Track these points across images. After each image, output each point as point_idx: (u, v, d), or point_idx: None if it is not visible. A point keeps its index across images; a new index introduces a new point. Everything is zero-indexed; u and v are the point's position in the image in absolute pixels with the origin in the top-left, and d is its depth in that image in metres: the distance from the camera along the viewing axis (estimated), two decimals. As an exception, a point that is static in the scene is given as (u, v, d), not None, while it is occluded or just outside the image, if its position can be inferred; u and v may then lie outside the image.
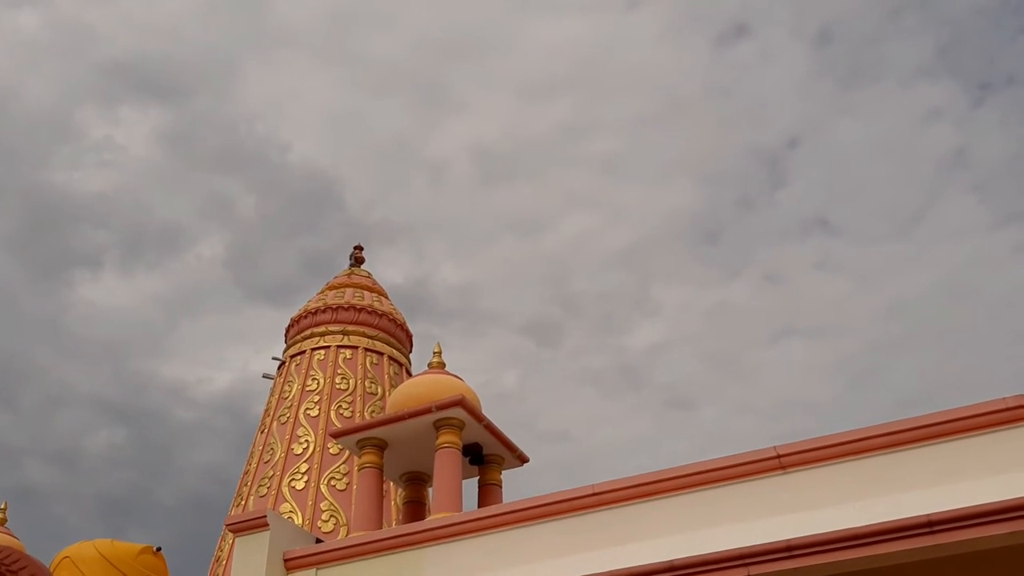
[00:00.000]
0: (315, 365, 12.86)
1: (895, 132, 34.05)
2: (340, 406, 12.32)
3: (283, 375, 13.16)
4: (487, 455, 8.76)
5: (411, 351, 13.91)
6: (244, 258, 34.53)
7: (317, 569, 7.68)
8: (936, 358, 33.06)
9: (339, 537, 10.49)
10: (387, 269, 32.50)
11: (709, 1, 34.82)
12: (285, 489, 11.58)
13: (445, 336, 34.43)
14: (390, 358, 13.24)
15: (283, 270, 34.66)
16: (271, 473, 11.86)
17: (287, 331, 13.78)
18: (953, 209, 34.19)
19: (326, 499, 11.45)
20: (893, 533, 5.60)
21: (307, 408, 12.36)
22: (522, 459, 8.94)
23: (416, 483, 9.16)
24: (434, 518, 7.73)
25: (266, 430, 12.61)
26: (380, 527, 8.38)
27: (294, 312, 13.85)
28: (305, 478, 11.63)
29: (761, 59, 34.94)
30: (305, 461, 11.82)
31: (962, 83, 35.64)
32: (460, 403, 8.20)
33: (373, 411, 12.24)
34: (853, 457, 6.32)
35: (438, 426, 8.27)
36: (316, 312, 13.45)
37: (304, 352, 13.12)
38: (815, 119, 35.64)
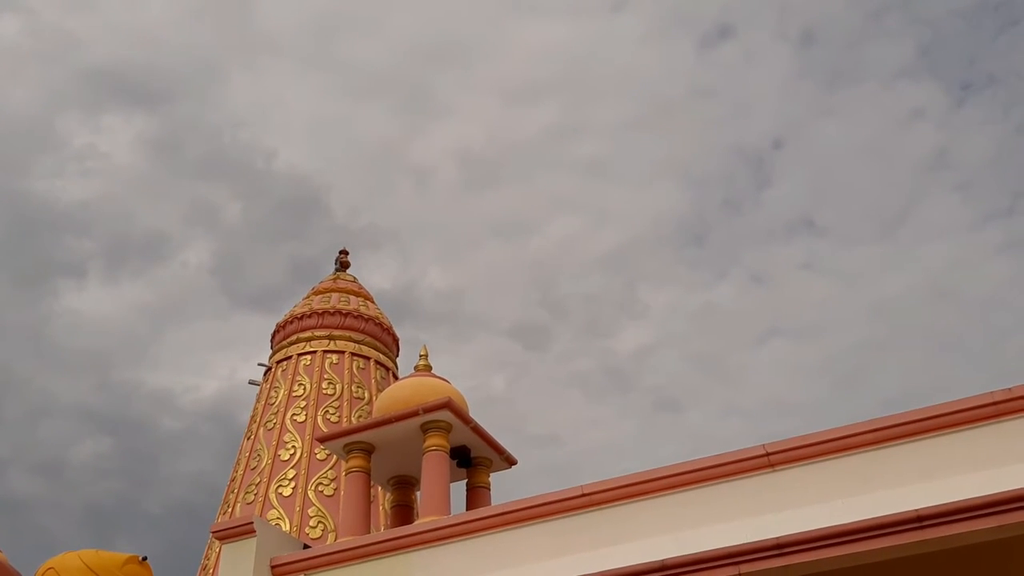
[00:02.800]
0: (301, 370, 12.81)
1: (878, 133, 34.26)
2: (327, 411, 12.27)
3: (269, 381, 13.10)
4: (475, 458, 8.73)
5: (398, 355, 13.87)
6: (230, 265, 34.37)
7: (305, 575, 7.63)
8: (920, 358, 33.25)
9: (327, 543, 10.43)
10: (373, 274, 32.43)
11: (693, 3, 34.95)
12: (272, 495, 11.51)
13: (432, 341, 34.27)
14: (377, 362, 13.20)
15: (269, 277, 34.54)
16: (258, 480, 11.79)
17: (273, 337, 13.72)
18: (936, 209, 34.42)
19: (314, 505, 11.39)
20: (881, 529, 5.60)
21: (294, 414, 12.30)
22: (510, 461, 8.92)
23: (404, 487, 9.12)
24: (422, 522, 7.70)
25: (252, 436, 12.54)
26: (368, 532, 8.34)
27: (280, 318, 13.80)
28: (292, 484, 11.57)
29: (745, 61, 35.09)
30: (292, 467, 11.75)
31: (944, 84, 35.92)
32: (447, 405, 8.17)
33: (360, 415, 12.18)
34: (841, 454, 6.33)
35: (425, 429, 8.24)
36: (302, 317, 13.40)
37: (290, 357, 13.07)
38: (799, 120, 35.84)
